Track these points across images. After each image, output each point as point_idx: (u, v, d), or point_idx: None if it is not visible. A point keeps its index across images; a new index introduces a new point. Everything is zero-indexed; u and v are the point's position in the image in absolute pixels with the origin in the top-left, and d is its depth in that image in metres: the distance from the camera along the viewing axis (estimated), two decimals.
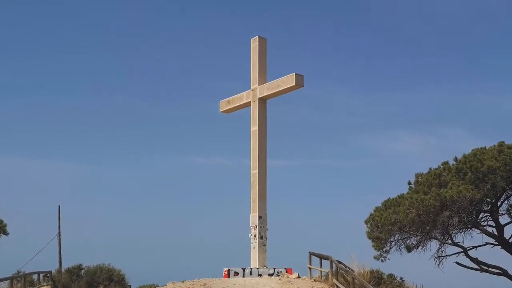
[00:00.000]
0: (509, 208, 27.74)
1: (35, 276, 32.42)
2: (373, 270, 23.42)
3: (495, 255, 28.20)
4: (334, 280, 21.94)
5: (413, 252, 28.50)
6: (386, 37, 63.36)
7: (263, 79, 27.37)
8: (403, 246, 28.54)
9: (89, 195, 58.32)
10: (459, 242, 28.22)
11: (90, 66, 64.02)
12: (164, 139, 62.78)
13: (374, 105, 64.36)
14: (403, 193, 28.16)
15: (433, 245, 28.53)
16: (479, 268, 28.39)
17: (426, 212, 26.58)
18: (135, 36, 63.48)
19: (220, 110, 28.82)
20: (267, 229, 26.26)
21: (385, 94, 64.47)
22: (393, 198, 28.23)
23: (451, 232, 27.82)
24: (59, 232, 41.59)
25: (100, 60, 64.03)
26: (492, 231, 28.11)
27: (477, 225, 27.81)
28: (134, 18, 63.48)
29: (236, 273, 25.09)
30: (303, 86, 25.88)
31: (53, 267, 39.23)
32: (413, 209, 26.65)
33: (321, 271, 24.08)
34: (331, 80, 62.65)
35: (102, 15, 63.48)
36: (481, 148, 27.36)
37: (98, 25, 64.02)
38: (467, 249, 28.39)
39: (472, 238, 28.19)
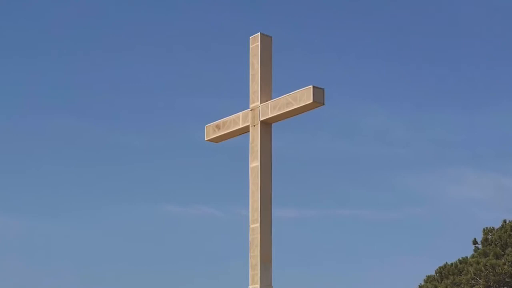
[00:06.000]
0: None
1: None
2: None
3: None
4: None
5: None
6: (437, 35, 52.30)
7: (266, 94, 21.96)
8: None
9: (22, 258, 46.99)
10: None
11: (21, 74, 50.75)
12: (125, 179, 50.42)
13: (421, 131, 53.65)
14: (466, 257, 26.51)
15: None
16: None
17: (498, 283, 25.14)
18: (86, 34, 50.48)
19: (206, 138, 23.70)
20: None
21: (436, 114, 53.15)
22: (451, 264, 26.33)
23: None
24: None
25: (32, 66, 51.08)
26: None
27: None
28: (86, 10, 51.34)
29: None
30: (323, 104, 20.67)
31: None
32: (480, 279, 25.08)
33: None
34: (361, 95, 52.59)
35: (41, 5, 51.29)
36: None
37: (35, 18, 51.36)
38: None
39: None
